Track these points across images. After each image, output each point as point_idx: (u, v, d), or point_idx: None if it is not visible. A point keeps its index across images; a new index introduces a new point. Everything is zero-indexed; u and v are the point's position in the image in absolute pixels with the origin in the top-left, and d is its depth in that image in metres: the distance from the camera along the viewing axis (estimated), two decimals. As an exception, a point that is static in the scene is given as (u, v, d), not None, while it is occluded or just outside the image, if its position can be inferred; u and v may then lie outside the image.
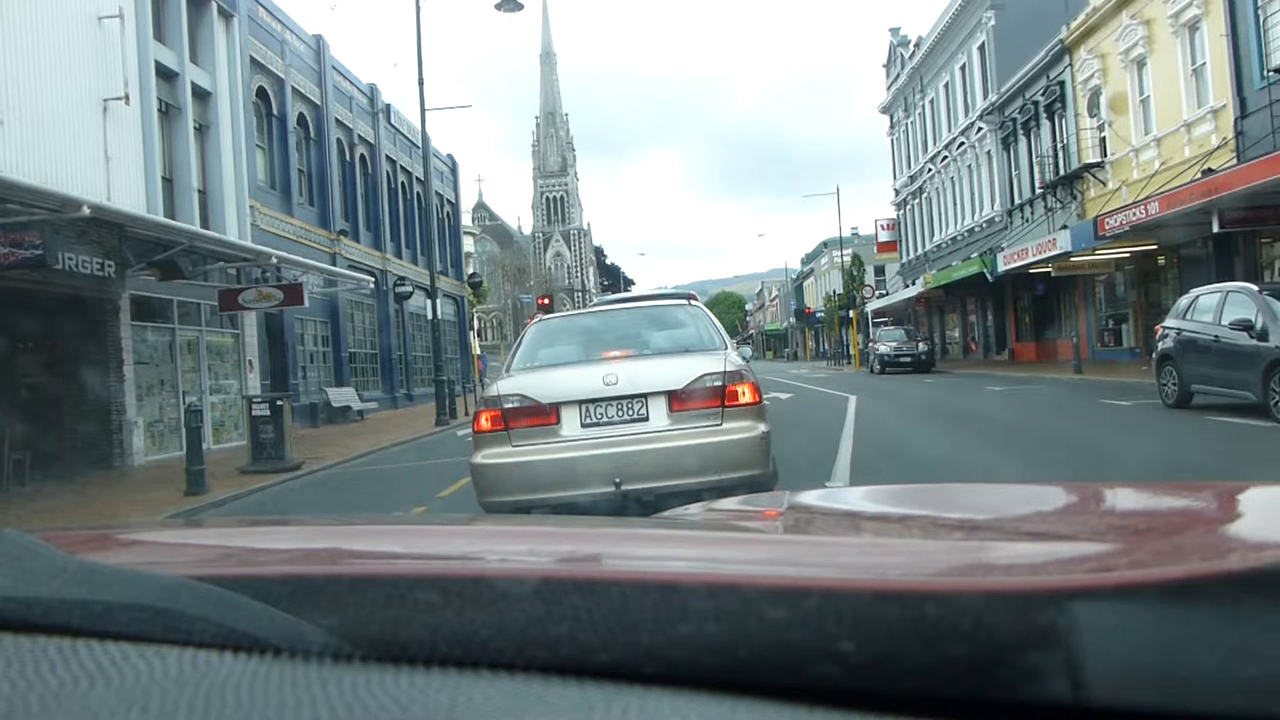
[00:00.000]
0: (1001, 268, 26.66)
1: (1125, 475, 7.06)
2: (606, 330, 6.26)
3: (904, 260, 46.48)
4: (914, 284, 39.35)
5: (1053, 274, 24.91)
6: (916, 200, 43.52)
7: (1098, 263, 23.45)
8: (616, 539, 1.02)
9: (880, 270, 55.06)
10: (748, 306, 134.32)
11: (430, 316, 21.50)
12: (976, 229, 35.02)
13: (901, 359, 30.25)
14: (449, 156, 38.31)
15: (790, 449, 8.44)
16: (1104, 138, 24.50)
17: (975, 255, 32.03)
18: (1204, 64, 19.46)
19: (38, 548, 0.66)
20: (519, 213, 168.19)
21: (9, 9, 12.28)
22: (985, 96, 32.92)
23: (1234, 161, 17.12)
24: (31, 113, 12.29)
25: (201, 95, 17.54)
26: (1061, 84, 26.67)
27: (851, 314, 45.65)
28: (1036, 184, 28.45)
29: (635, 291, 43.66)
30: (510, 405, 5.22)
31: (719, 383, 5.19)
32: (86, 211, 10.68)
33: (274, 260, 15.93)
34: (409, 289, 25.05)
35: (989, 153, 33.44)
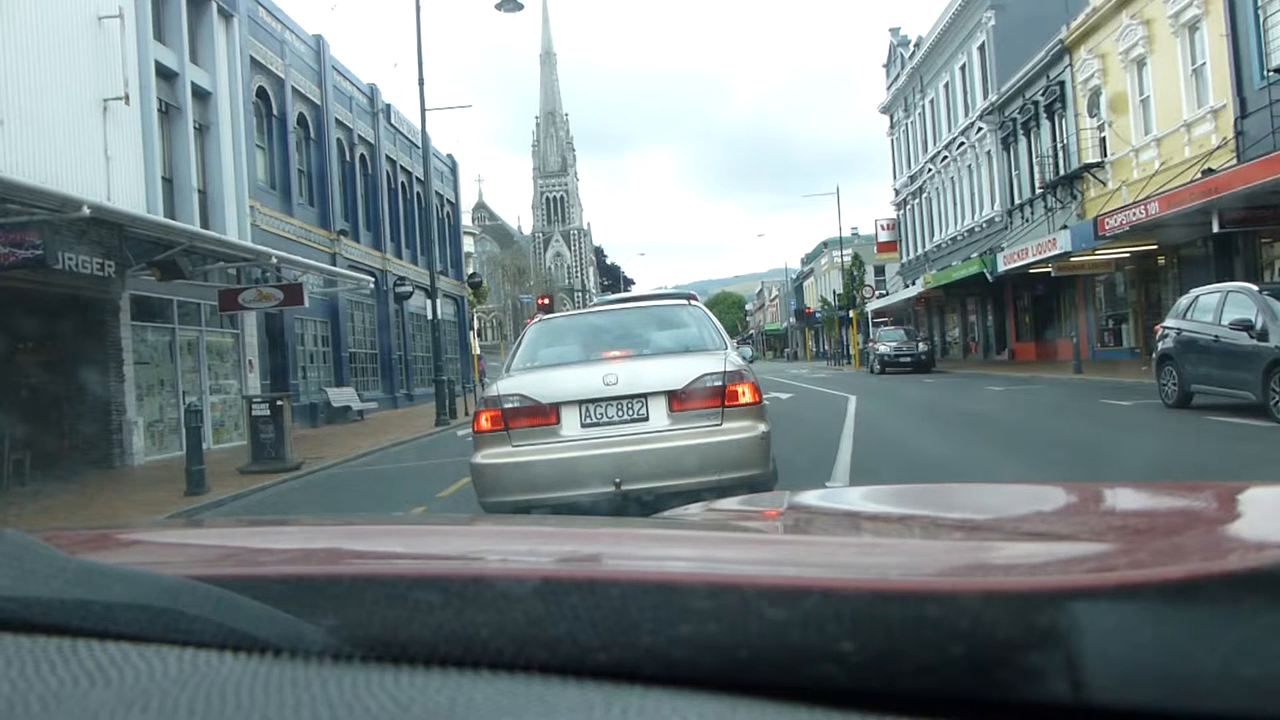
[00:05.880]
0: (1001, 268, 26.66)
1: (1125, 475, 7.05)
2: (606, 330, 6.25)
3: (904, 260, 46.48)
4: (914, 284, 39.34)
5: (1053, 274, 24.91)
6: (916, 200, 43.52)
7: (1098, 263, 23.46)
8: (616, 539, 1.02)
9: (880, 270, 55.06)
10: (748, 306, 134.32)
11: (430, 316, 21.50)
12: (976, 229, 35.02)
13: (901, 359, 30.23)
14: (449, 156, 38.32)
15: (790, 449, 8.44)
16: (1104, 138, 24.50)
17: (975, 255, 32.02)
18: (1204, 64, 19.45)
19: (38, 548, 0.66)
20: (519, 213, 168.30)
21: (9, 9, 12.27)
22: (985, 96, 32.91)
23: (1234, 161, 17.12)
24: (31, 113, 12.28)
25: (201, 95, 17.53)
26: (1061, 84, 26.67)
27: (851, 314, 45.64)
28: (1036, 184, 28.45)
29: (635, 291, 43.70)
30: (510, 405, 5.22)
31: (719, 383, 5.18)
32: (86, 211, 10.67)
33: (274, 260, 15.93)
34: (409, 289, 25.07)
35: (989, 153, 33.43)
